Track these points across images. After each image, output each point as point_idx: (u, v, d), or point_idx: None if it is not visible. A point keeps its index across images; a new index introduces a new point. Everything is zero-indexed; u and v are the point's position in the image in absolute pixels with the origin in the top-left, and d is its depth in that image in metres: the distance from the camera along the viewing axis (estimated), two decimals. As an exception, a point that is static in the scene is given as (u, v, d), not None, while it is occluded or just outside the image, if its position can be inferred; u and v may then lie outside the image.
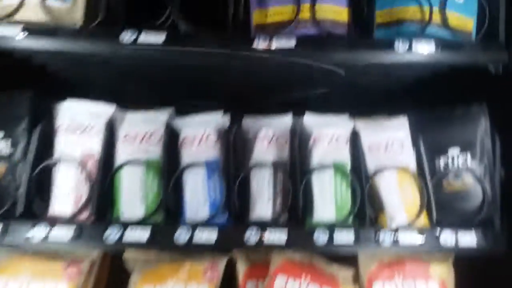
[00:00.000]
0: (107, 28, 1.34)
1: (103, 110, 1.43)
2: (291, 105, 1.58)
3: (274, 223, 1.38)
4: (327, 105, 1.70)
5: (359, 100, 1.64)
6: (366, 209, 1.37)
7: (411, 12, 1.41)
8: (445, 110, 1.49)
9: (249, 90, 1.76)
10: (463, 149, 1.44)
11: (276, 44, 1.35)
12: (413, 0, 1.41)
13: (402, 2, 1.43)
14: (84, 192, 1.36)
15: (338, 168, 1.40)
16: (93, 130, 1.41)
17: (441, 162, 1.44)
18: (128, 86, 1.75)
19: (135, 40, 1.31)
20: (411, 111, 1.50)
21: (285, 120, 1.50)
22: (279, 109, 1.55)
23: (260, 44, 1.35)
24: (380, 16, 1.43)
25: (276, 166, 1.43)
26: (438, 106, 1.49)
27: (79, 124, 1.41)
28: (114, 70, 1.58)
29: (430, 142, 1.45)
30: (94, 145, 1.39)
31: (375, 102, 1.62)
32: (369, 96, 1.74)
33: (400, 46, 1.35)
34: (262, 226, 1.34)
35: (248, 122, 1.53)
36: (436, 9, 1.39)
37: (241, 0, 1.41)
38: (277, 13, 1.42)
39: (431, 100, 1.52)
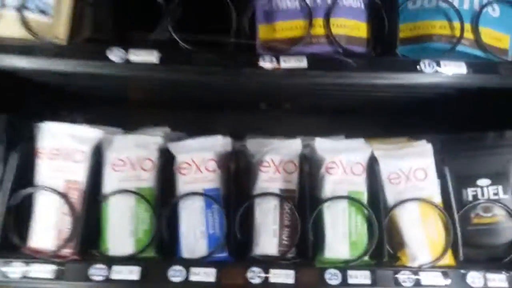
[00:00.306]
0: (95, 45, 1.21)
1: (89, 134, 1.29)
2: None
3: (280, 260, 1.22)
4: (340, 125, 1.58)
5: (376, 121, 1.50)
6: (384, 246, 1.21)
7: (439, 27, 1.27)
8: (475, 135, 1.34)
9: (252, 110, 1.63)
10: (494, 179, 1.28)
11: (285, 63, 1.21)
12: (441, 14, 1.26)
13: (428, 16, 1.28)
14: (67, 225, 1.21)
15: (353, 199, 1.24)
16: (77, 156, 1.25)
17: (469, 194, 1.29)
18: (120, 107, 1.60)
19: (127, 58, 1.18)
20: (436, 136, 1.34)
21: (294, 144, 1.34)
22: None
23: (266, 63, 1.21)
24: (403, 30, 1.29)
25: (283, 195, 1.27)
26: (466, 131, 1.34)
27: (62, 149, 1.25)
28: (103, 90, 1.45)
29: (456, 171, 1.29)
30: (78, 172, 1.24)
31: (395, 124, 1.47)
32: (388, 117, 1.60)
33: (427, 66, 1.20)
34: (267, 263, 1.19)
35: (253, 146, 1.37)
36: (467, 24, 1.24)
37: (246, 13, 1.27)
38: (286, 28, 1.28)
39: (458, 125, 1.37)
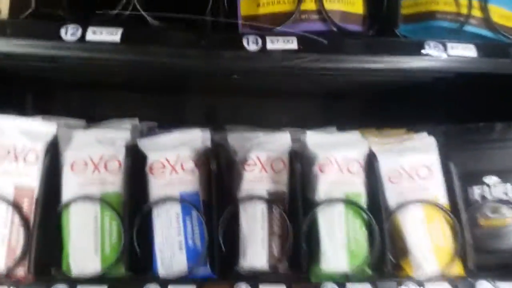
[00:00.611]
0: (45, 21, 1.02)
1: (42, 129, 1.09)
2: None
3: (270, 274, 1.08)
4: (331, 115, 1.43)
5: (368, 107, 1.35)
6: (386, 255, 1.08)
7: (443, 3, 1.12)
8: (480, 127, 1.20)
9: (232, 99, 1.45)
10: (503, 177, 1.16)
11: (272, 44, 1.04)
12: (447, -11, 1.12)
13: (432, -10, 1.13)
14: (19, 240, 1.02)
15: (350, 201, 1.10)
16: (30, 156, 1.06)
17: (475, 192, 1.16)
18: (82, 91, 1.39)
19: (82, 36, 0.99)
20: (437, 127, 1.21)
21: (283, 138, 1.18)
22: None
23: (251, 44, 1.03)
24: (403, 7, 1.13)
25: (272, 199, 1.11)
26: (471, 121, 1.21)
27: (11, 148, 1.06)
28: (59, 73, 1.24)
29: (461, 167, 1.16)
30: (31, 176, 1.05)
31: (390, 111, 1.33)
32: (383, 104, 1.45)
33: (432, 48, 1.06)
34: (256, 279, 1.04)
35: (235, 140, 1.20)
36: (475, 1, 1.10)
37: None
38: (272, 2, 1.10)
39: (464, 115, 1.23)
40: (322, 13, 1.08)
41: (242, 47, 1.03)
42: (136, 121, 1.27)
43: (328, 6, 1.09)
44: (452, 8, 1.12)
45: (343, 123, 1.32)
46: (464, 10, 1.10)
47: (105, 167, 1.10)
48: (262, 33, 1.06)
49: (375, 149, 1.15)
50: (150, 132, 1.28)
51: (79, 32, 1.00)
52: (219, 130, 1.30)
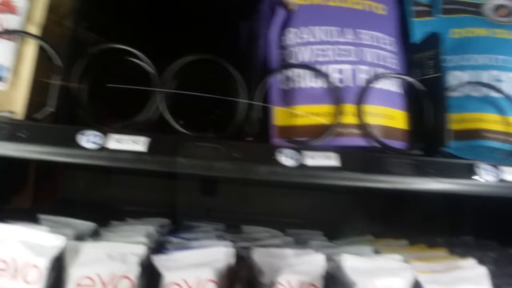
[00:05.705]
0: (61, 124, 0.95)
1: (47, 242, 0.96)
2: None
3: None
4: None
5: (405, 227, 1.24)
6: None
7: (492, 122, 1.05)
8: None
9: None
10: None
11: (312, 160, 0.95)
12: (495, 106, 1.05)
13: (478, 107, 1.07)
14: None
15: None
16: (31, 273, 0.93)
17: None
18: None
19: (104, 145, 0.90)
20: (485, 253, 1.10)
21: (316, 260, 1.05)
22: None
23: (288, 159, 0.94)
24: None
25: (303, 331, 0.97)
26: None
27: (10, 262, 0.93)
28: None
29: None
30: (31, 299, 0.91)
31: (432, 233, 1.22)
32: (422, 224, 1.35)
33: (485, 172, 0.97)
34: None
35: (261, 257, 1.06)
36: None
37: (258, 92, 1.02)
38: (309, 113, 1.04)
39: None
40: (363, 128, 1.01)
41: (278, 162, 0.94)
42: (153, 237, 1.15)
43: (370, 120, 1.02)
44: (500, 128, 1.05)
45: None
46: (514, 130, 1.03)
47: (115, 287, 0.96)
48: (299, 147, 0.98)
49: (422, 278, 1.02)
50: (164, 236, 1.19)
51: (98, 139, 0.92)
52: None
